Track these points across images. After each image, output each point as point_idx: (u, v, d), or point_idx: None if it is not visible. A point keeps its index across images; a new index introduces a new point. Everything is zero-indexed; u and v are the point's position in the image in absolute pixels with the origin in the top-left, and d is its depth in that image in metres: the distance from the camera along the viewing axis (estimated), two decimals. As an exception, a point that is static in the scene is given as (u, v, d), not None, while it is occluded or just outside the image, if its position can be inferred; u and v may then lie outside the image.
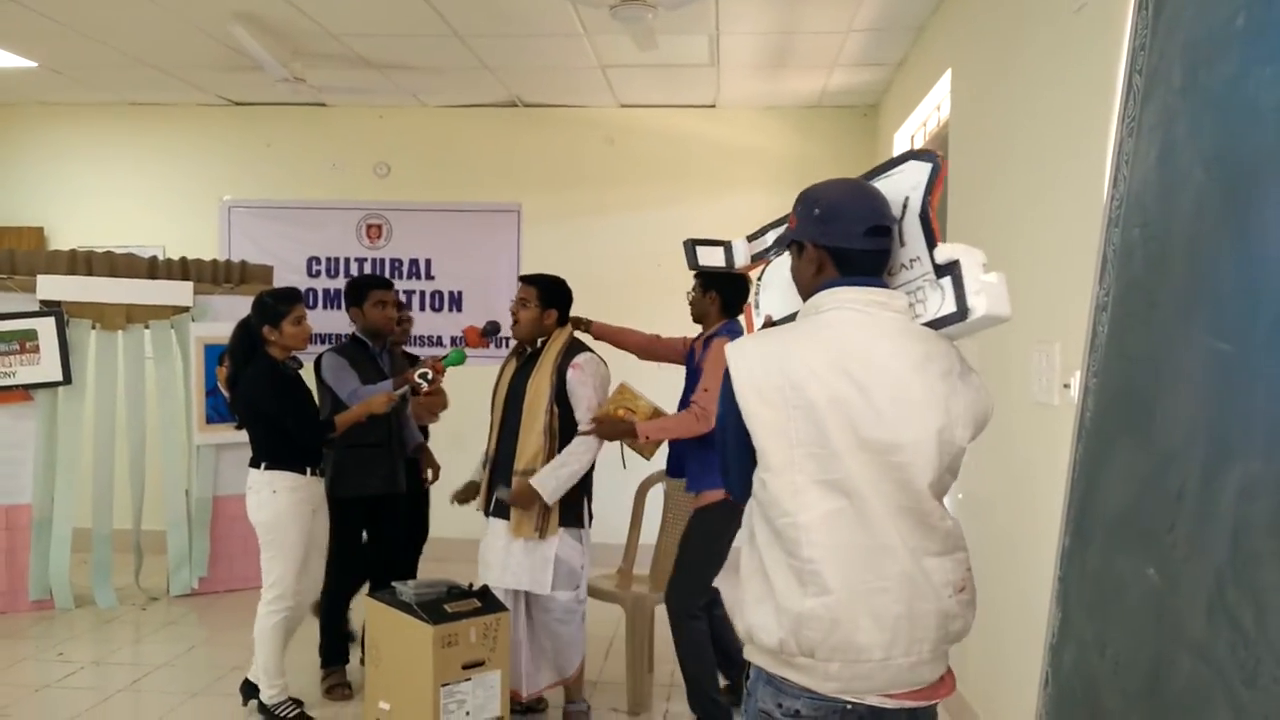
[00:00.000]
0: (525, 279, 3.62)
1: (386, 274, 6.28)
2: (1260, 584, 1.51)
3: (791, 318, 2.05)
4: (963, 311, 1.72)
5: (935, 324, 1.77)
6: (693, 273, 3.80)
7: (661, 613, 4.11)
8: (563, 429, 3.46)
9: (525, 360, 3.57)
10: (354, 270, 6.34)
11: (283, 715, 3.60)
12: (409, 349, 4.31)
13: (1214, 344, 1.72)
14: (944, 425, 1.70)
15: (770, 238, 2.15)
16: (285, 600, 3.59)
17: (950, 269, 1.74)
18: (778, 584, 1.68)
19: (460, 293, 6.36)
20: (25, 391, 5.04)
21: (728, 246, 2.22)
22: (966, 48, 3.95)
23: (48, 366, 5.04)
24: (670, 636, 3.55)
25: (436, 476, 4.31)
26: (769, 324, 2.08)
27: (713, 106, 6.17)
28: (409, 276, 6.37)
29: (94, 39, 5.13)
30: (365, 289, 4.08)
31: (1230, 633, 1.56)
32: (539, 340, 3.56)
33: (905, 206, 1.81)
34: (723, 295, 3.71)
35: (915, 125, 5.13)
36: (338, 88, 5.89)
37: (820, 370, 1.67)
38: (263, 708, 3.64)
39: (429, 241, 6.38)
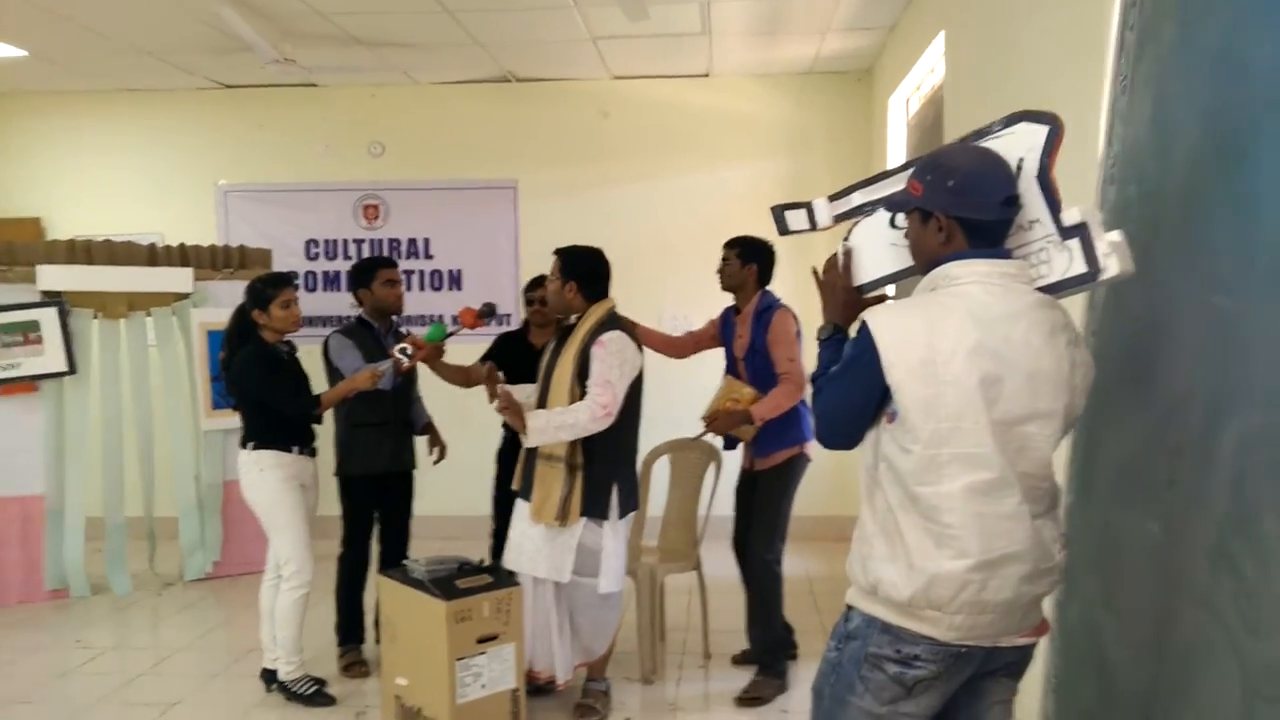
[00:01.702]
0: (556, 251, 3.56)
1: (385, 254, 6.27)
2: (1261, 534, 1.54)
3: (887, 279, 2.08)
4: (1094, 272, 1.75)
5: (1061, 284, 1.80)
6: (726, 245, 3.86)
7: (671, 582, 4.17)
8: None
9: (562, 336, 3.53)
10: (352, 252, 6.34)
11: (301, 692, 3.66)
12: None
13: (1211, 299, 1.74)
14: (1069, 399, 1.78)
15: (857, 198, 2.15)
16: (304, 575, 3.64)
17: (1079, 230, 1.76)
18: (912, 544, 1.75)
19: (460, 271, 6.36)
20: (31, 383, 5.06)
21: (809, 207, 2.21)
22: (958, 9, 3.93)
23: (51, 357, 5.06)
24: (677, 604, 3.58)
25: (443, 455, 4.34)
26: (871, 286, 2.11)
27: (706, 76, 6.14)
28: (408, 256, 6.36)
29: (83, 26, 5.10)
30: (373, 269, 4.08)
31: (1233, 583, 1.59)
32: (573, 315, 3.52)
33: (1019, 168, 1.83)
34: (761, 266, 3.79)
35: (909, 89, 5.11)
36: (328, 67, 5.86)
37: (968, 348, 1.71)
38: (282, 686, 3.70)
39: (426, 220, 6.38)
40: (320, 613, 4.08)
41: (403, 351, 3.63)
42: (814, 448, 3.71)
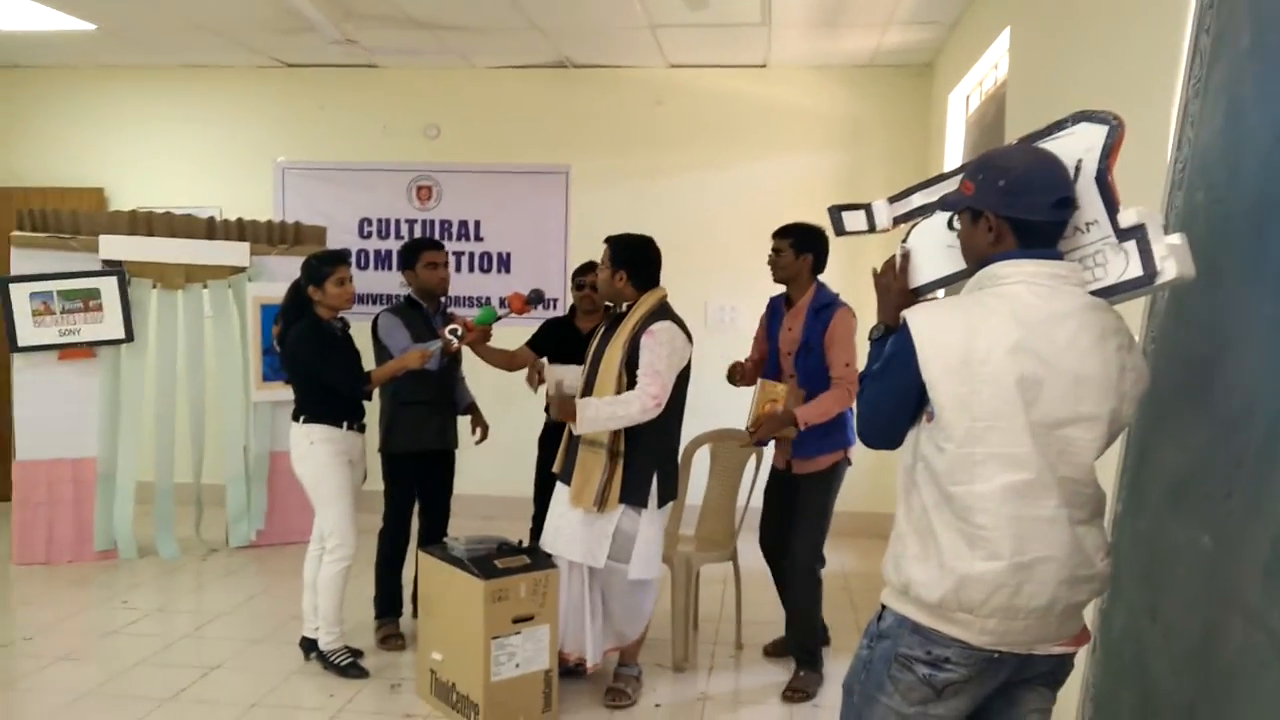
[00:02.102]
0: (606, 239, 3.54)
1: (436, 235, 6.33)
2: (1319, 552, 1.50)
3: (942, 281, 2.06)
4: (1150, 275, 1.72)
5: (1116, 288, 1.77)
6: (778, 235, 3.72)
7: (707, 571, 4.17)
8: None
9: (611, 323, 3.53)
10: (405, 232, 6.41)
11: (337, 662, 3.72)
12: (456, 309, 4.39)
13: (1277, 312, 1.70)
14: (1116, 404, 1.74)
15: (916, 199, 2.13)
16: (345, 549, 3.70)
17: (1136, 232, 1.73)
18: (945, 544, 1.74)
19: (509, 254, 6.40)
20: (89, 348, 5.19)
21: (868, 209, 2.18)
22: (1025, 5, 3.86)
23: (110, 324, 5.18)
24: (711, 594, 3.54)
25: (485, 435, 4.38)
26: (927, 289, 2.08)
27: (763, 66, 6.10)
28: (459, 238, 6.41)
29: (151, 2, 5.19)
30: (416, 251, 4.14)
31: (1287, 600, 1.55)
32: (624, 304, 3.51)
33: (1078, 169, 1.80)
34: (816, 256, 3.66)
35: (971, 85, 5.03)
36: (388, 49, 5.91)
37: (1008, 348, 1.68)
38: (320, 655, 3.76)
39: (478, 203, 6.42)
40: (360, 585, 4.14)
41: (453, 333, 3.69)
42: (856, 450, 3.62)
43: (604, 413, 3.30)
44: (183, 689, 3.63)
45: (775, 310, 3.84)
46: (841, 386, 3.51)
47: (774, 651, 4.05)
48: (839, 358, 3.53)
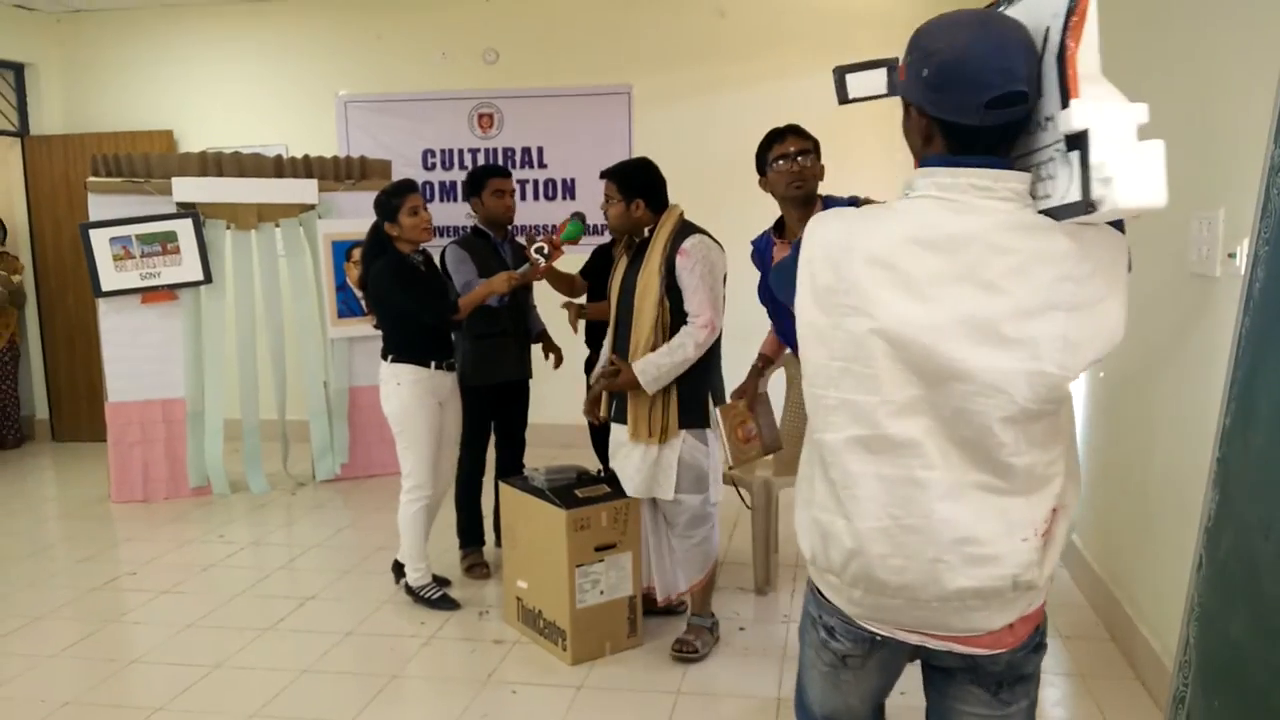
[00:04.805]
0: (603, 173, 3.35)
1: (500, 164, 6.28)
2: None
3: None
4: (1086, 202, 1.25)
5: (1062, 212, 1.32)
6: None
7: (786, 496, 4.13)
8: (675, 323, 3.23)
9: (636, 252, 3.36)
10: (468, 162, 6.36)
11: (426, 596, 3.80)
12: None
13: None
14: (1039, 354, 1.32)
15: None
16: (422, 490, 3.73)
17: (1080, 140, 1.24)
18: (818, 494, 1.50)
19: (573, 180, 6.33)
20: (170, 291, 5.30)
21: (891, 66, 1.53)
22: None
23: (189, 267, 5.28)
24: (791, 517, 3.29)
25: (560, 362, 4.37)
26: None
27: (829, -30, 5.84)
28: (522, 165, 6.35)
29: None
30: (483, 178, 4.09)
31: None
32: (644, 230, 3.33)
33: (1045, 40, 1.32)
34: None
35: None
36: (443, -26, 5.80)
37: (879, 277, 1.37)
38: (409, 589, 3.84)
39: (540, 129, 6.33)
40: (446, 515, 4.21)
41: (539, 251, 3.61)
42: None
43: (664, 365, 3.18)
44: (281, 619, 3.76)
45: (764, 249, 3.23)
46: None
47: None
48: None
